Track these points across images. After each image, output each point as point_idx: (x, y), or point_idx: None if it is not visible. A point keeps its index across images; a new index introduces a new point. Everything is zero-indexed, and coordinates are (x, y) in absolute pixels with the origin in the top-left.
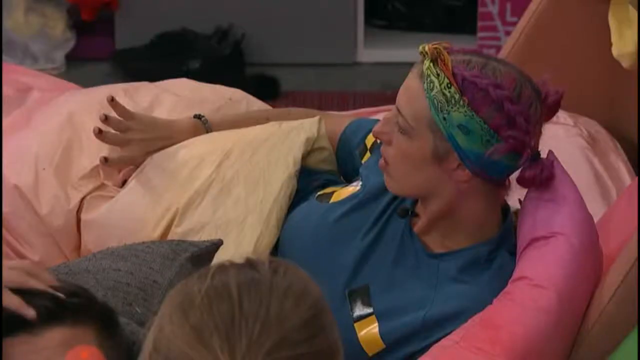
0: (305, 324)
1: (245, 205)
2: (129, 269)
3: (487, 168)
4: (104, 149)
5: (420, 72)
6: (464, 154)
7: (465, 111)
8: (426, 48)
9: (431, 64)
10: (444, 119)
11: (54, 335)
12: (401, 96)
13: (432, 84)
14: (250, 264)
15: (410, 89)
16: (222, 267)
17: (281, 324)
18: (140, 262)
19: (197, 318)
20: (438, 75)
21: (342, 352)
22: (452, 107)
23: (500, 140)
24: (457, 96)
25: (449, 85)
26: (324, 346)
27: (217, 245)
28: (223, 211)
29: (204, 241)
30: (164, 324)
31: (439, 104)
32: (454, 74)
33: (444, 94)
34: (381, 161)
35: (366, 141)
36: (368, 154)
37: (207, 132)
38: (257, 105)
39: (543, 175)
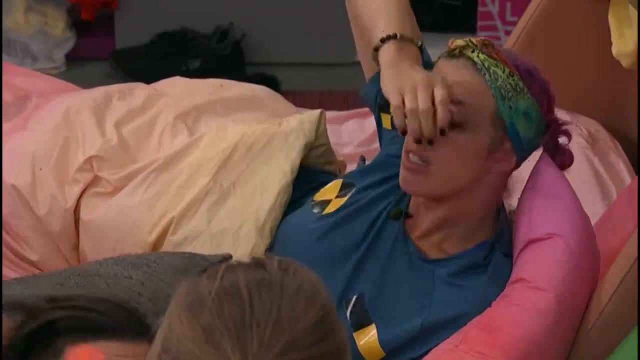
0: (316, 326)
1: (241, 214)
2: (140, 278)
3: (527, 152)
4: (99, 144)
5: (472, 65)
6: (519, 142)
7: (529, 97)
8: (472, 40)
9: (486, 55)
10: (510, 107)
11: (140, 348)
12: (455, 89)
13: (495, 75)
14: (259, 263)
15: (469, 82)
16: (231, 267)
17: (293, 325)
18: (151, 272)
19: (208, 319)
20: (497, 64)
21: (350, 353)
22: (518, 95)
23: (545, 123)
24: (520, 84)
25: (511, 74)
26: (333, 347)
27: (226, 259)
28: (218, 220)
29: (215, 255)
30: (173, 324)
31: (507, 93)
32: (507, 61)
33: (509, 83)
34: (413, 163)
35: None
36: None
37: None
38: (279, 100)
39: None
